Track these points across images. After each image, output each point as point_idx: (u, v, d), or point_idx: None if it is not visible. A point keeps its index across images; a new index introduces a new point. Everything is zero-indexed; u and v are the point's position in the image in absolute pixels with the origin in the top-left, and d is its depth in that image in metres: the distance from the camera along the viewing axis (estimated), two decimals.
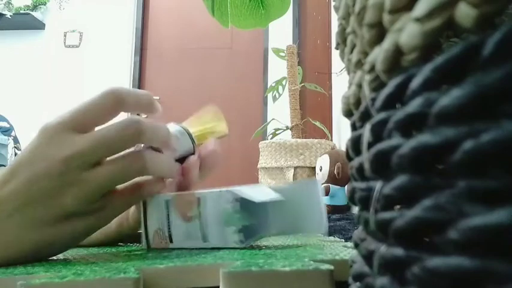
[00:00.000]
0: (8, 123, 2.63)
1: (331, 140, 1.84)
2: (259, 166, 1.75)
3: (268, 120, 2.03)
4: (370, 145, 0.15)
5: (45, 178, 0.28)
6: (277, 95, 1.98)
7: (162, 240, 0.39)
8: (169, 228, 0.39)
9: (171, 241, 0.38)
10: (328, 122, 2.00)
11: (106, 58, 2.82)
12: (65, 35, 2.89)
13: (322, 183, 1.41)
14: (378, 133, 0.14)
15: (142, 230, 0.40)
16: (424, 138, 0.11)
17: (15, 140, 2.63)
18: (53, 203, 0.28)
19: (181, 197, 0.39)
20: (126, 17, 2.86)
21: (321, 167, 1.44)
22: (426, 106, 0.11)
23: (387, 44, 0.13)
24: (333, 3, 0.21)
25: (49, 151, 0.28)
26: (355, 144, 0.17)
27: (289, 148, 1.63)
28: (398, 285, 0.13)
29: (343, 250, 0.30)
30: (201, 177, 0.41)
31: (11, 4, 2.85)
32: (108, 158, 0.30)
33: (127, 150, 0.32)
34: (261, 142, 1.76)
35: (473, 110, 0.10)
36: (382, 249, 0.14)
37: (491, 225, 0.09)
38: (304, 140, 1.67)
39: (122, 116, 0.32)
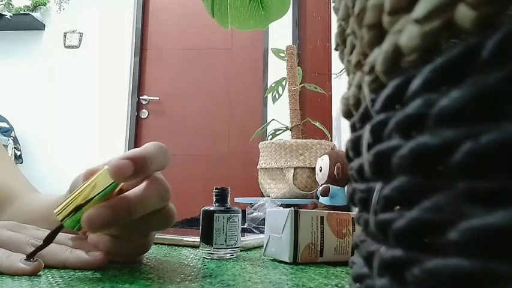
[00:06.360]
0: (8, 123, 2.63)
1: (331, 141, 1.83)
2: (259, 167, 1.75)
3: (268, 121, 2.02)
4: (370, 146, 0.15)
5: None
6: (277, 96, 1.98)
7: (312, 254, 0.43)
8: (322, 243, 0.42)
9: (321, 255, 0.43)
10: (328, 122, 2.00)
11: (106, 58, 2.82)
12: (64, 36, 2.88)
13: (322, 184, 1.41)
14: (378, 134, 0.14)
15: (288, 244, 0.42)
16: (424, 139, 0.11)
17: (15, 141, 2.63)
18: None
19: (337, 215, 0.45)
20: (126, 17, 2.86)
21: (320, 167, 1.44)
22: (426, 107, 0.11)
23: (387, 45, 0.13)
24: (332, 4, 0.21)
25: None
26: (355, 145, 0.17)
27: (289, 149, 1.63)
28: (398, 286, 0.13)
29: None
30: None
31: (11, 5, 2.85)
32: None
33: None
34: (260, 143, 1.76)
35: (472, 111, 0.10)
36: (382, 250, 0.14)
37: (490, 227, 0.09)
38: (304, 140, 1.67)
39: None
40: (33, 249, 0.34)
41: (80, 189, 0.33)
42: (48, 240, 0.33)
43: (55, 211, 0.33)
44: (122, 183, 0.34)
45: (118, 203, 0.33)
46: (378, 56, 0.14)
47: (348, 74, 0.19)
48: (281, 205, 1.12)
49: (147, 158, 0.33)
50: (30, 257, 0.33)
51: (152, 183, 0.35)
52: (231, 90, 2.77)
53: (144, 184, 0.35)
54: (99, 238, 0.37)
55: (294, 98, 1.84)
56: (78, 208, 0.32)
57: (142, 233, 0.38)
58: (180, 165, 2.55)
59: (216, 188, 0.47)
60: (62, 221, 0.33)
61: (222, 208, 0.46)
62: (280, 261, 0.43)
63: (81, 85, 2.79)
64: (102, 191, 0.32)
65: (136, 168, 0.32)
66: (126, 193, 0.34)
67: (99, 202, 0.32)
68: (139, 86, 2.81)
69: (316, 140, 1.66)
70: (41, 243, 0.34)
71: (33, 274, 0.32)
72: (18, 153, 2.62)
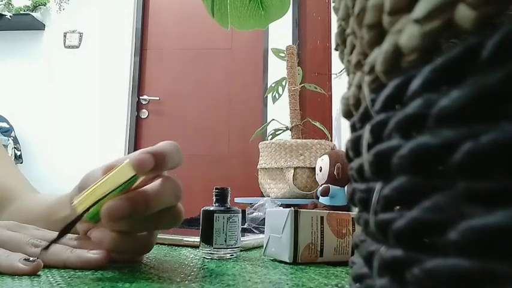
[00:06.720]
0: (8, 123, 2.63)
1: (331, 141, 1.83)
2: (259, 167, 1.75)
3: (268, 121, 2.02)
4: (370, 146, 0.15)
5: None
6: (277, 96, 1.98)
7: (312, 254, 0.43)
8: (322, 243, 0.42)
9: (321, 255, 0.43)
10: (328, 122, 2.00)
11: (106, 58, 2.82)
12: (64, 36, 2.88)
13: (322, 184, 1.41)
14: (378, 134, 0.14)
15: (288, 244, 0.42)
16: (424, 139, 0.11)
17: (15, 141, 2.63)
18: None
19: (337, 215, 0.45)
20: (126, 18, 2.85)
21: (320, 167, 1.44)
22: (426, 107, 0.11)
23: (387, 45, 0.13)
24: (332, 4, 0.21)
25: None
26: (355, 145, 0.17)
27: (289, 149, 1.63)
28: (398, 286, 0.13)
29: None
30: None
31: (11, 5, 2.85)
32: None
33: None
34: (260, 143, 1.76)
35: (472, 111, 0.10)
36: (382, 250, 0.14)
37: (490, 226, 0.09)
38: (304, 140, 1.67)
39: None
40: (34, 249, 0.34)
41: (100, 182, 0.33)
42: (65, 231, 0.34)
43: (73, 203, 0.33)
44: (141, 179, 0.35)
45: (136, 196, 0.33)
46: (378, 56, 0.14)
47: (348, 74, 0.19)
48: (281, 205, 1.12)
49: (165, 154, 0.34)
50: (45, 249, 0.33)
51: (167, 181, 0.36)
52: (231, 90, 2.76)
53: (159, 181, 0.36)
54: (103, 235, 0.37)
55: (294, 98, 1.84)
56: (97, 200, 0.33)
57: (152, 230, 0.39)
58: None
59: (216, 188, 0.47)
60: (82, 212, 0.33)
61: (222, 208, 0.46)
62: (280, 261, 0.43)
63: (81, 85, 2.79)
64: (122, 184, 0.33)
65: (157, 162, 0.33)
66: (143, 188, 0.35)
67: (117, 195, 0.33)
68: (139, 86, 2.81)
69: (316, 140, 1.66)
70: (42, 243, 0.34)
71: (32, 274, 0.32)
72: (18, 153, 2.62)
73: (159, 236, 0.59)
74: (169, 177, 0.37)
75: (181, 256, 0.47)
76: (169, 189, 0.36)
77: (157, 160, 0.33)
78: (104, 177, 0.34)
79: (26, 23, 2.82)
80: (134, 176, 0.33)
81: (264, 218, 0.49)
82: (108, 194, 0.33)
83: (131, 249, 0.39)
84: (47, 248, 0.33)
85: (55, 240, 0.33)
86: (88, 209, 0.33)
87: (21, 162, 2.63)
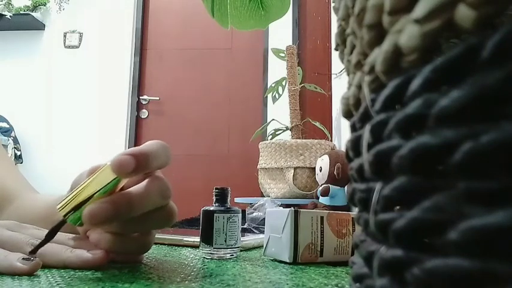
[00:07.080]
0: (8, 123, 2.63)
1: (331, 141, 1.83)
2: (259, 167, 1.75)
3: (268, 121, 2.02)
4: (370, 146, 0.15)
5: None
6: (277, 96, 1.98)
7: (312, 254, 0.43)
8: (322, 243, 0.43)
9: (321, 255, 0.43)
10: (328, 122, 2.00)
11: (106, 58, 2.82)
12: (64, 36, 2.88)
13: (322, 184, 1.41)
14: (378, 134, 0.14)
15: (288, 244, 0.42)
16: (424, 139, 0.11)
17: (15, 141, 2.63)
18: None
19: (337, 215, 0.45)
20: (126, 18, 2.85)
21: (320, 167, 1.44)
22: (426, 107, 0.11)
23: (387, 45, 0.13)
24: (332, 4, 0.21)
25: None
26: (355, 145, 0.17)
27: (289, 149, 1.63)
28: (398, 286, 0.13)
29: None
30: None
31: (11, 5, 2.85)
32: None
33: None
34: (260, 143, 1.76)
35: (472, 111, 0.10)
36: (382, 250, 0.14)
37: (490, 226, 0.09)
38: (304, 140, 1.67)
39: None
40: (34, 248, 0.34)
41: (83, 185, 0.33)
42: (50, 235, 0.34)
43: (57, 206, 0.33)
44: (125, 180, 0.34)
45: (119, 199, 0.33)
46: (378, 56, 0.14)
47: (348, 74, 0.19)
48: (281, 205, 1.12)
49: (149, 154, 0.33)
50: (32, 253, 0.33)
51: (153, 181, 0.35)
52: (231, 90, 2.76)
53: (145, 182, 0.35)
54: (100, 236, 0.37)
55: (294, 98, 1.84)
56: (80, 204, 0.32)
57: (144, 231, 0.38)
58: (180, 165, 2.55)
59: (216, 188, 0.47)
60: (64, 216, 0.33)
61: (222, 208, 0.46)
62: (280, 261, 0.43)
63: (81, 85, 2.79)
64: (104, 186, 0.33)
65: (138, 163, 0.32)
66: (127, 190, 0.35)
67: (101, 198, 0.33)
68: (139, 86, 2.81)
69: (316, 140, 1.66)
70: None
71: (31, 273, 0.32)
72: (18, 153, 2.62)
73: (159, 236, 0.59)
74: (158, 177, 0.36)
75: (181, 256, 0.47)
76: (155, 189, 0.35)
77: (138, 161, 0.32)
78: (87, 180, 0.33)
79: (26, 23, 2.82)
80: (115, 178, 0.33)
81: (264, 218, 0.49)
82: (91, 197, 0.32)
83: (128, 250, 0.39)
84: (34, 251, 0.33)
85: (41, 245, 0.33)
86: (70, 213, 0.32)
87: (21, 162, 2.63)
